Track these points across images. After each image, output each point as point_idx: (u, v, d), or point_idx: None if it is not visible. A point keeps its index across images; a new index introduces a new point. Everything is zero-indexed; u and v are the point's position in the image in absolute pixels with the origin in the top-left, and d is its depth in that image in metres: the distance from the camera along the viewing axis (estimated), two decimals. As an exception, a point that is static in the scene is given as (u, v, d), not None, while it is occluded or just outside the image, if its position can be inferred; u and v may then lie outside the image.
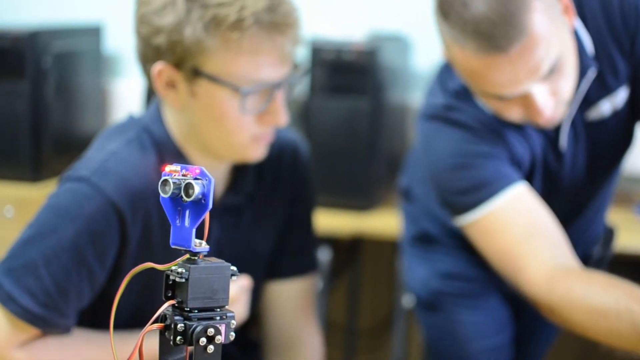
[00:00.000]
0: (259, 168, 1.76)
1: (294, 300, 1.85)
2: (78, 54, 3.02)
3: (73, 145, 2.89)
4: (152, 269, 1.64)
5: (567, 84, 1.65)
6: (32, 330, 1.54)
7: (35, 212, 1.58)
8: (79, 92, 3.04)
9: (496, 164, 1.74)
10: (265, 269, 1.82)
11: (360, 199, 2.71)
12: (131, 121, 1.69)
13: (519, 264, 1.71)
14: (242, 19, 1.52)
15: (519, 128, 1.77)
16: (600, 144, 1.83)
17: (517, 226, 1.73)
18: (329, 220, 2.63)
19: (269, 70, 1.57)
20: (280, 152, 1.78)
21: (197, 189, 0.91)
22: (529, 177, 1.81)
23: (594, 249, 2.06)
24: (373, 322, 3.15)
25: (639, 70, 1.77)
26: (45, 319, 1.53)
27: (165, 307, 0.94)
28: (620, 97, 1.79)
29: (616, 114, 1.80)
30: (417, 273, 2.10)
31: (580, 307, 1.63)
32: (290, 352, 1.85)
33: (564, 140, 1.80)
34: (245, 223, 1.74)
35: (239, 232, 1.73)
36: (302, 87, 2.72)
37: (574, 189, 1.88)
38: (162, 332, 0.95)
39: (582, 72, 1.72)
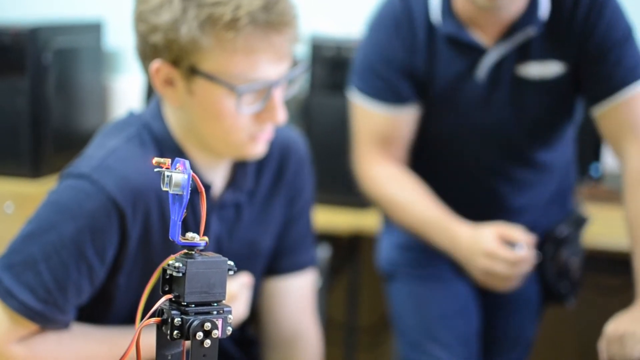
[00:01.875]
0: (259, 165, 1.76)
1: (293, 297, 1.85)
2: (78, 51, 3.03)
3: (73, 142, 2.89)
4: (151, 264, 1.64)
5: None
6: (31, 326, 1.54)
7: (35, 208, 1.58)
8: (79, 88, 3.04)
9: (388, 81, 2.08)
10: (264, 266, 1.82)
11: (360, 196, 2.70)
12: (131, 118, 1.69)
13: (359, 154, 2.16)
14: (237, 18, 1.52)
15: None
16: (528, 102, 2.06)
17: (377, 130, 2.12)
18: (328, 218, 2.64)
19: (266, 69, 1.57)
20: (280, 150, 1.79)
21: (175, 182, 0.92)
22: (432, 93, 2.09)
23: (559, 227, 2.19)
24: (373, 319, 3.15)
25: (585, 57, 1.99)
26: (44, 315, 1.53)
27: (162, 301, 0.95)
28: (551, 69, 2.02)
29: (546, 83, 2.03)
30: (382, 247, 2.29)
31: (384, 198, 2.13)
32: (290, 349, 1.85)
33: (482, 70, 2.03)
34: (245, 219, 1.74)
35: (238, 229, 1.73)
36: (302, 84, 2.72)
37: (503, 135, 2.10)
38: (159, 327, 0.96)
39: (523, 24, 1.98)
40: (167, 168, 0.94)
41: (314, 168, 1.89)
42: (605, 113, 1.98)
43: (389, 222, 2.27)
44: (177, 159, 0.95)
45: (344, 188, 2.73)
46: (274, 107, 1.60)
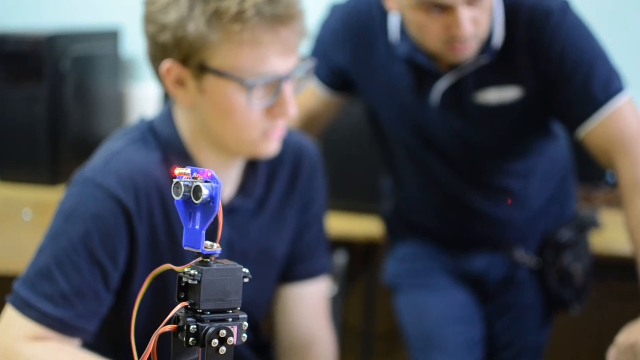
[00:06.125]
0: (272, 171, 1.77)
1: (307, 304, 1.85)
2: (96, 58, 3.04)
3: (91, 149, 2.88)
4: (167, 270, 1.64)
5: (485, 20, 1.89)
6: (54, 335, 1.54)
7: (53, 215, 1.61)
8: (97, 95, 3.05)
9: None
10: (278, 272, 1.82)
11: (376, 202, 2.71)
12: (139, 122, 1.71)
13: None
14: (242, 11, 1.54)
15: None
16: (488, 126, 2.06)
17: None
18: (344, 224, 2.64)
19: (274, 62, 1.58)
20: (293, 156, 1.79)
21: (205, 192, 0.93)
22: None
23: (559, 232, 2.20)
24: (389, 326, 3.14)
25: (548, 83, 1.96)
26: (64, 321, 1.54)
27: (178, 308, 0.96)
28: (509, 94, 2.00)
29: (504, 107, 2.01)
30: (386, 262, 2.38)
31: None
32: (304, 355, 1.86)
33: (435, 95, 2.03)
34: (257, 225, 1.74)
35: (249, 234, 1.73)
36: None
37: (465, 156, 2.11)
38: (175, 334, 0.96)
39: (475, 53, 1.94)
40: (188, 177, 0.95)
41: (330, 174, 1.89)
42: (587, 135, 1.91)
43: (391, 236, 2.32)
44: (195, 168, 0.95)
45: (360, 194, 2.73)
46: (284, 102, 1.61)
